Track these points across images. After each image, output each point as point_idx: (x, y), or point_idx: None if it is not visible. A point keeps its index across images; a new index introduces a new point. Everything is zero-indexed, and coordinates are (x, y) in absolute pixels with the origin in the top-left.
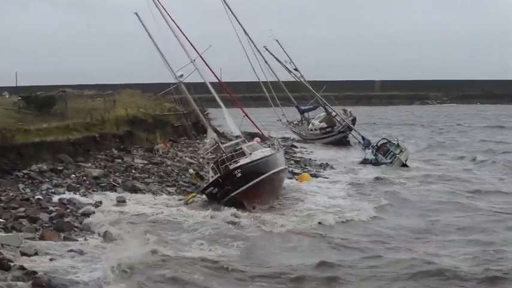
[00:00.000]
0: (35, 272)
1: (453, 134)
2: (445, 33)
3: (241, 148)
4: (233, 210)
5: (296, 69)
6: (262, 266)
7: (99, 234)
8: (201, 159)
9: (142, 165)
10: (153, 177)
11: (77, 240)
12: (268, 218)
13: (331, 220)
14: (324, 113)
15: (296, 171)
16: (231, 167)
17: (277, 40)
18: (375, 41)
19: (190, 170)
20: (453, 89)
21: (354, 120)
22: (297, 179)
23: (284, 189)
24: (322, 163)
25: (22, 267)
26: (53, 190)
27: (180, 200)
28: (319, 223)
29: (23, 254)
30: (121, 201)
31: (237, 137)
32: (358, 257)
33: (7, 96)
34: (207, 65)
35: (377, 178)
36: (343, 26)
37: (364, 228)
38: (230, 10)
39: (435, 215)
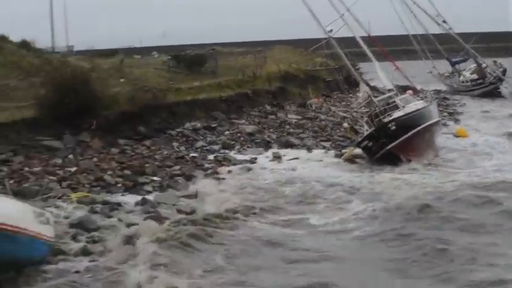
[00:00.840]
0: None
1: None
2: None
3: (394, 101)
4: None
5: (444, 22)
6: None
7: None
8: (354, 113)
9: (295, 120)
10: (307, 132)
11: None
12: (439, 176)
13: None
14: (475, 65)
15: (449, 123)
16: (385, 120)
17: None
18: None
19: (345, 124)
20: None
21: (504, 72)
22: (454, 135)
23: (442, 144)
24: (475, 115)
25: None
26: (207, 147)
27: (336, 155)
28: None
29: (179, 211)
30: (277, 157)
31: (389, 90)
32: None
33: (156, 56)
34: (356, 20)
35: None
36: None
37: None
38: None
39: None
